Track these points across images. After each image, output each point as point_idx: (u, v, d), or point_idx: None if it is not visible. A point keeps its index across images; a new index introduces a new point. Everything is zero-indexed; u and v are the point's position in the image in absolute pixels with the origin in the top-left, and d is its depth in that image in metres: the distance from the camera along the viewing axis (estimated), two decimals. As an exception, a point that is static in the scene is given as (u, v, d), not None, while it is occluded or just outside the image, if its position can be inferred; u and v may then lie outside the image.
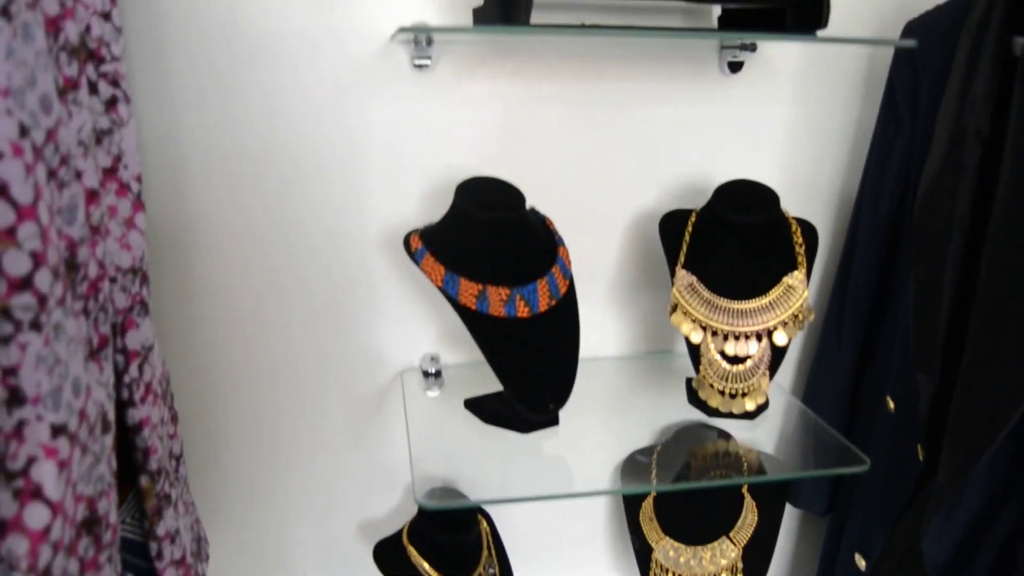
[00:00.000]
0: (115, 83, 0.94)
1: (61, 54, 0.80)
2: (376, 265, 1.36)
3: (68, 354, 0.74)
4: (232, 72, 1.21)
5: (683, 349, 1.40)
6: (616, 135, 1.38)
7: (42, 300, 0.68)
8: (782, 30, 1.10)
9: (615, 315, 1.51)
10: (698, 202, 1.38)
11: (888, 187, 1.35)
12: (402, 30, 0.95)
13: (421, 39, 1.21)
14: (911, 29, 1.31)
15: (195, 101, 1.21)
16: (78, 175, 0.79)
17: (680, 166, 1.43)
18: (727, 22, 1.26)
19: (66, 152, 0.75)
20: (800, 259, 1.24)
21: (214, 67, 1.20)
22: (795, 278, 1.22)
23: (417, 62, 1.24)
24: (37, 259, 0.67)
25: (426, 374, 1.40)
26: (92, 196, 0.83)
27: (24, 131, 0.67)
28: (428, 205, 1.35)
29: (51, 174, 0.73)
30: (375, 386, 1.45)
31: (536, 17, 0.97)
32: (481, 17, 1.15)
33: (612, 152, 1.39)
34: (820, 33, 1.08)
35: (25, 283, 0.67)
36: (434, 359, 1.42)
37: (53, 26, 0.79)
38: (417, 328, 1.43)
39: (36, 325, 0.68)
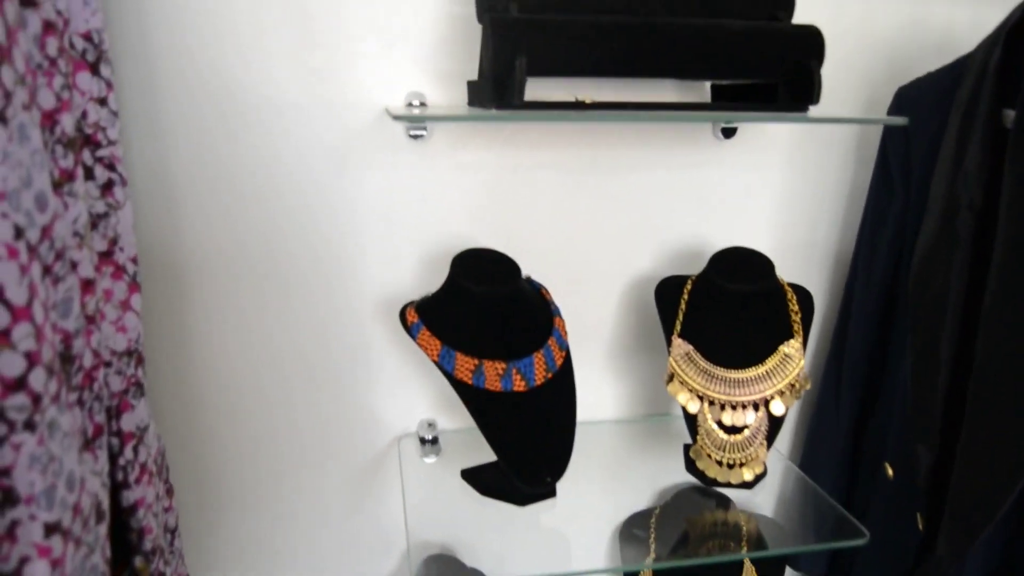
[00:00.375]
0: (111, 167, 0.94)
1: (57, 147, 0.80)
2: (372, 331, 1.36)
3: (62, 450, 0.73)
4: (227, 143, 1.21)
5: (680, 412, 1.39)
6: (611, 200, 1.38)
7: (36, 399, 0.68)
8: (774, 103, 1.11)
9: (612, 378, 1.51)
10: (694, 266, 1.38)
11: (882, 253, 1.36)
12: (396, 118, 0.95)
13: (415, 107, 1.23)
14: (902, 96, 1.32)
15: (190, 171, 1.21)
16: (73, 266, 0.79)
17: (675, 230, 1.43)
18: (720, 94, 1.27)
19: (61, 246, 0.75)
20: (796, 327, 1.24)
21: (209, 137, 1.21)
22: (791, 346, 1.22)
23: (412, 132, 1.25)
24: (32, 359, 0.68)
25: (423, 441, 1.39)
26: (87, 286, 0.83)
27: (19, 233, 0.67)
28: (424, 272, 1.35)
29: (46, 270, 0.73)
30: (372, 452, 1.44)
31: (527, 87, 0.97)
32: (475, 93, 1.16)
33: (607, 217, 1.39)
34: (812, 111, 1.09)
35: (19, 384, 0.67)
36: (431, 425, 1.42)
37: (49, 119, 0.80)
38: (413, 393, 1.42)
39: (30, 425, 0.68)
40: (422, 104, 1.23)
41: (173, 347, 1.29)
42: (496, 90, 1.00)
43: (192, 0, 1.14)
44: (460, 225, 1.34)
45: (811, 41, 1.05)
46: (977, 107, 1.14)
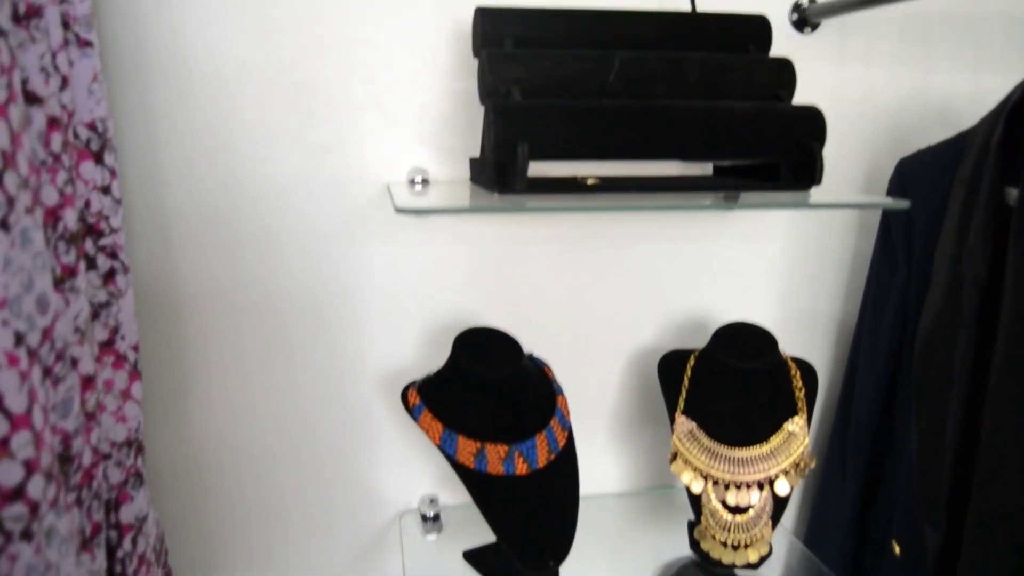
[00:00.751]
0: (113, 255, 0.94)
1: (59, 243, 0.80)
2: (375, 405, 1.36)
3: (60, 555, 0.72)
4: (231, 219, 1.22)
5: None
6: (613, 272, 1.38)
7: (34, 508, 0.68)
8: (776, 181, 1.10)
9: (614, 451, 1.50)
10: (697, 337, 1.38)
11: (886, 327, 1.35)
12: (399, 211, 0.95)
13: (417, 183, 1.23)
14: (904, 167, 1.32)
15: (194, 245, 1.22)
16: (74, 364, 0.79)
17: (678, 302, 1.43)
18: (723, 169, 1.28)
19: (63, 346, 0.75)
20: (800, 404, 1.23)
21: (213, 214, 1.21)
22: (796, 424, 1.21)
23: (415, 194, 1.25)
24: (30, 467, 0.67)
25: (424, 518, 1.38)
26: (88, 382, 0.83)
27: (19, 339, 0.67)
28: (427, 343, 1.34)
29: (46, 372, 0.72)
30: (374, 527, 1.43)
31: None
32: (478, 171, 1.16)
33: (609, 289, 1.39)
34: (814, 193, 1.09)
35: (17, 493, 0.66)
36: (433, 501, 1.40)
37: (52, 216, 0.80)
38: (416, 469, 1.41)
39: (27, 535, 0.67)
40: (424, 181, 1.24)
41: (174, 421, 1.29)
42: (498, 175, 1.00)
43: (197, 79, 1.16)
44: (462, 297, 1.34)
45: (813, 123, 1.05)
46: (980, 184, 1.14)
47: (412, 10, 1.21)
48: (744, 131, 1.04)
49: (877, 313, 1.38)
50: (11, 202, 0.67)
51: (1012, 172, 1.11)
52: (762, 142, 1.05)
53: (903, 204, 1.03)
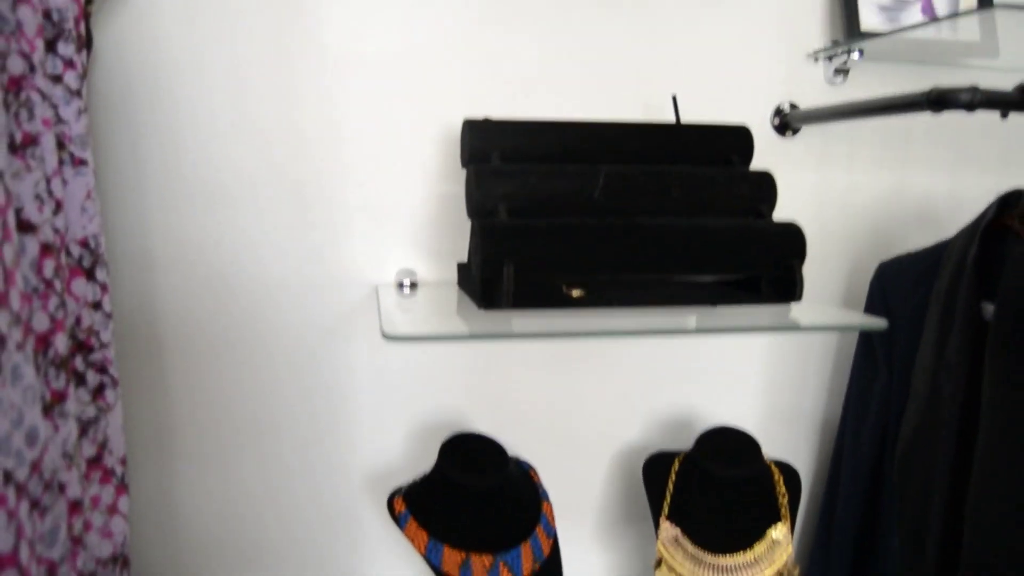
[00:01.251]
0: (103, 369, 0.95)
1: (50, 369, 0.81)
2: (361, 506, 1.36)
3: None
4: (221, 321, 1.23)
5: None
6: (598, 371, 1.40)
7: (17, 646, 0.68)
8: (757, 294, 1.12)
9: (600, 552, 1.50)
10: (683, 435, 1.39)
11: (868, 428, 1.36)
12: (387, 338, 0.95)
13: (406, 286, 1.25)
14: (884, 271, 1.35)
15: (184, 347, 1.23)
16: (62, 489, 0.80)
17: (663, 399, 1.45)
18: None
19: (51, 475, 0.76)
20: (784, 511, 1.24)
21: (204, 316, 1.23)
22: (779, 531, 1.22)
23: (404, 308, 1.26)
24: (14, 605, 0.67)
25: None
26: (75, 507, 0.83)
27: (8, 477, 0.68)
28: (414, 445, 1.35)
29: (34, 505, 0.73)
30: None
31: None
32: (464, 278, 1.18)
33: (595, 387, 1.41)
34: (794, 308, 1.11)
35: (1, 632, 0.66)
36: (418, 604, 1.40)
37: (43, 342, 0.81)
38: (401, 573, 1.41)
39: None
40: (413, 284, 1.26)
41: (160, 526, 1.29)
42: (484, 289, 1.02)
43: (192, 184, 1.19)
44: (448, 396, 1.35)
45: (793, 240, 1.08)
46: (956, 299, 1.16)
47: (403, 115, 1.25)
48: (726, 249, 1.06)
49: (859, 415, 1.39)
50: (3, 341, 0.68)
51: (988, 288, 1.13)
52: (743, 260, 1.07)
53: (880, 324, 1.05)
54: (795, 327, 1.10)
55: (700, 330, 1.09)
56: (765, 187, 1.14)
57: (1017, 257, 1.09)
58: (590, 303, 1.05)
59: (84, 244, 0.94)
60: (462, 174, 1.17)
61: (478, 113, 1.26)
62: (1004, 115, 1.03)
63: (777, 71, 1.39)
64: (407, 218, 1.27)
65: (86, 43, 1.02)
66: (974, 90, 0.99)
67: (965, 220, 1.22)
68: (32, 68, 0.83)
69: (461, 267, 1.23)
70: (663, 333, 1.31)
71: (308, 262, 1.25)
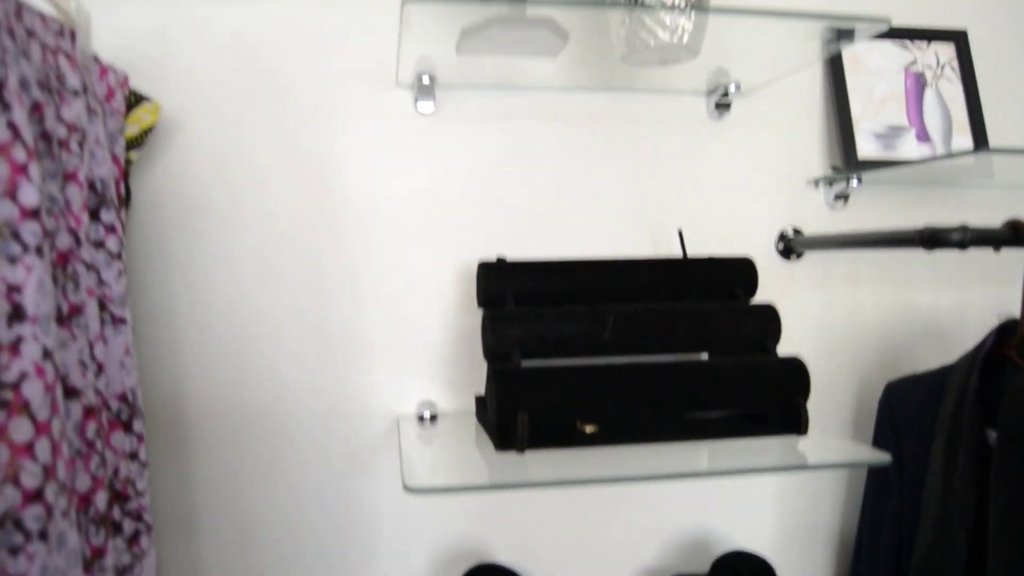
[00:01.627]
0: (139, 517, 1.00)
1: (90, 527, 0.86)
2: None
3: None
4: (244, 454, 1.29)
5: None
6: (615, 495, 1.43)
7: None
8: (764, 427, 1.16)
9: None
10: (698, 558, 1.41)
11: (884, 545, 1.37)
12: (408, 489, 0.98)
13: (426, 419, 1.30)
14: (891, 391, 1.38)
15: (209, 480, 1.28)
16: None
17: (679, 521, 1.46)
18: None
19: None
20: (800, 637, 1.26)
21: (231, 451, 1.28)
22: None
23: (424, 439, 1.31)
24: None
25: None
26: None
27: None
28: (437, 573, 1.38)
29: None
30: None
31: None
32: (481, 411, 1.23)
33: (611, 511, 1.43)
34: (800, 442, 1.14)
35: None
36: None
37: (84, 501, 0.86)
38: None
39: None
40: (433, 417, 1.30)
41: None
42: (499, 431, 1.06)
43: (218, 328, 1.25)
44: (469, 526, 1.38)
45: (797, 376, 1.12)
46: (960, 427, 1.19)
47: (421, 251, 1.32)
48: (731, 387, 1.10)
49: (874, 532, 1.41)
50: (50, 512, 0.73)
51: (990, 415, 1.16)
52: (749, 397, 1.11)
53: (884, 459, 1.08)
54: (802, 466, 1.14)
55: (710, 472, 1.12)
56: (768, 321, 1.19)
57: (1016, 388, 1.12)
58: (602, 439, 1.09)
59: (123, 398, 0.99)
60: (479, 309, 1.23)
61: (493, 251, 1.32)
62: (996, 249, 1.08)
63: (780, 197, 1.45)
64: (427, 351, 1.33)
65: (125, 200, 1.09)
66: (964, 229, 1.04)
67: (971, 334, 1.25)
68: (78, 242, 0.89)
69: (479, 400, 1.27)
70: (673, 477, 1.33)
71: (330, 395, 1.30)
